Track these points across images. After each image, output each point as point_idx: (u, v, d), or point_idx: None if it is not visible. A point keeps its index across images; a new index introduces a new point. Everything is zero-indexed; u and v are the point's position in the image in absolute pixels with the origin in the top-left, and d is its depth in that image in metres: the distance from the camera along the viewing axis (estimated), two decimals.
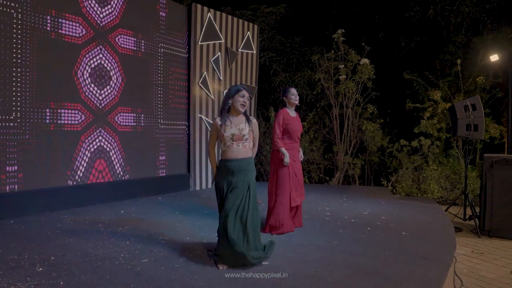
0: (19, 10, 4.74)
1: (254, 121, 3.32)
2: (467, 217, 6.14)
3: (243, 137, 3.18)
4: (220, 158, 3.26)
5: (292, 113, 4.39)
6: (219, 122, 3.23)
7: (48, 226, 4.29)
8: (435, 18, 10.16)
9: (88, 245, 3.61)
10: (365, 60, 8.26)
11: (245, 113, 3.29)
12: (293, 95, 4.35)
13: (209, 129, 7.38)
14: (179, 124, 7.02)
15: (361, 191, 7.40)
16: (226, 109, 3.26)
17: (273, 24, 10.88)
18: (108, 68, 5.78)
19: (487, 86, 8.92)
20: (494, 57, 7.74)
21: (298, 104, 4.46)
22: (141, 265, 3.12)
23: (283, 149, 4.20)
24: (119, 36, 5.90)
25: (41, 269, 3.00)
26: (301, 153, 4.47)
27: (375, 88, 8.56)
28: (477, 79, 8.38)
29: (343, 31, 8.53)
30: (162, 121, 6.66)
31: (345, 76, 8.35)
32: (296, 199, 4.31)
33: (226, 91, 3.25)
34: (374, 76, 8.35)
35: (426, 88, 9.37)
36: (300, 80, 9.55)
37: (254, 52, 8.42)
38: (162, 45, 6.61)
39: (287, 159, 4.18)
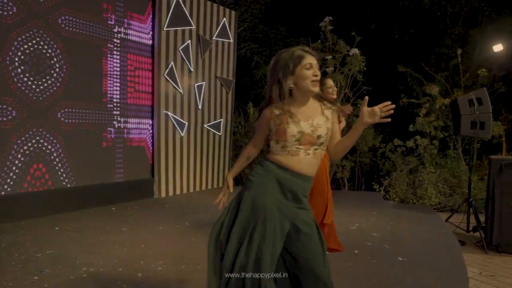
0: None
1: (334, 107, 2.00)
2: (470, 228, 5.31)
3: (317, 139, 1.87)
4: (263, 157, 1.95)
5: None
6: (277, 112, 1.88)
7: None
8: (431, 8, 9.37)
9: None
10: (355, 50, 7.39)
11: (319, 96, 1.98)
12: (330, 87, 3.39)
13: (177, 127, 6.46)
14: (140, 121, 6.09)
15: (350, 198, 6.55)
16: (282, 94, 1.88)
17: (257, 14, 10.01)
18: (49, 55, 4.84)
19: (489, 81, 8.12)
20: (498, 47, 6.93)
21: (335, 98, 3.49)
22: None
23: None
24: (63, 17, 4.96)
25: None
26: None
27: (366, 83, 7.71)
28: (478, 72, 7.57)
29: (331, 18, 7.66)
30: (119, 118, 5.72)
31: (332, 68, 7.48)
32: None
33: (272, 64, 1.91)
34: (365, 68, 7.49)
35: (421, 82, 8.56)
36: None
37: (231, 41, 7.52)
38: (119, 29, 5.68)
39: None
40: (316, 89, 1.87)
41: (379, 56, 9.71)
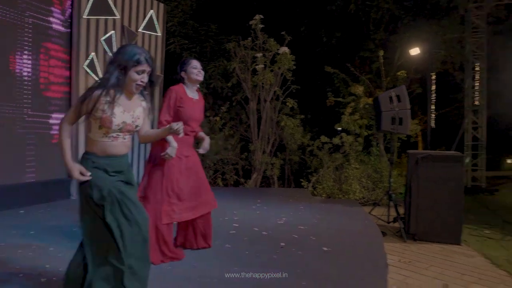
0: None
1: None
2: (390, 219, 5.59)
3: (135, 128, 2.18)
4: (86, 151, 2.14)
5: (191, 93, 3.17)
6: (105, 99, 2.02)
7: None
8: (356, 14, 9.83)
9: None
10: (285, 49, 7.49)
11: (141, 91, 2.22)
12: (195, 68, 3.11)
13: None
14: (56, 116, 5.59)
15: (279, 194, 6.58)
16: (115, 83, 2.05)
17: (188, 10, 9.77)
18: None
19: (407, 83, 8.69)
20: (414, 50, 7.42)
21: (201, 80, 3.19)
22: None
23: (171, 137, 2.92)
24: None
25: None
26: (206, 142, 3.20)
27: (295, 82, 7.84)
28: (398, 73, 8.05)
29: (262, 17, 7.69)
30: (30, 112, 5.19)
31: (263, 66, 7.50)
32: (173, 214, 2.99)
33: (121, 49, 2.13)
34: (294, 67, 7.62)
35: (347, 83, 8.93)
36: (214, 71, 8.54)
37: (159, 34, 7.21)
38: (31, 13, 5.16)
39: (172, 151, 2.93)
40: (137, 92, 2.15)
41: (308, 57, 9.97)
